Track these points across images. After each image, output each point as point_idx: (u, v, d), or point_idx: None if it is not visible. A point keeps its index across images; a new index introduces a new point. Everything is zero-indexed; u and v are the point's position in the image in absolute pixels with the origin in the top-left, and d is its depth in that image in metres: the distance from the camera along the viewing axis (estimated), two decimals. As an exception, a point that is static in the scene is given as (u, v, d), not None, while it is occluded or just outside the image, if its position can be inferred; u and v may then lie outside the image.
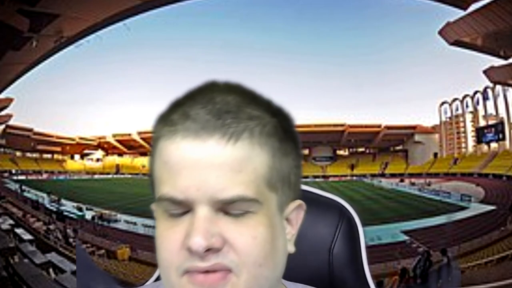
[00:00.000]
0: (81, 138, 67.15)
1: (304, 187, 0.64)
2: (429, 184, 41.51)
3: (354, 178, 57.23)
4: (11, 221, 14.26)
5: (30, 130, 57.76)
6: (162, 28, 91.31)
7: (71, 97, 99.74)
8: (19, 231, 12.09)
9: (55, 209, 25.15)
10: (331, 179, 56.97)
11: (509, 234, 15.56)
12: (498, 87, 45.13)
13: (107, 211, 24.63)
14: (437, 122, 61.16)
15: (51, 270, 8.38)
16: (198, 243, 0.35)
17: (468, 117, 55.08)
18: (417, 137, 61.15)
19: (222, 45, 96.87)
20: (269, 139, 0.39)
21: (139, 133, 66.70)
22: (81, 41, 21.42)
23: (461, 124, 56.04)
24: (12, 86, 25.18)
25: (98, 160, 69.57)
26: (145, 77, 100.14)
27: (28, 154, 61.70)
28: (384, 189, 41.43)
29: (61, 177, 56.46)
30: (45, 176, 54.66)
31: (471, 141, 55.22)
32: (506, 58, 24.87)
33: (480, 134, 51.96)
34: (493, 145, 50.31)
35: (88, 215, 24.24)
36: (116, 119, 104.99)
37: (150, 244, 17.07)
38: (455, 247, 14.79)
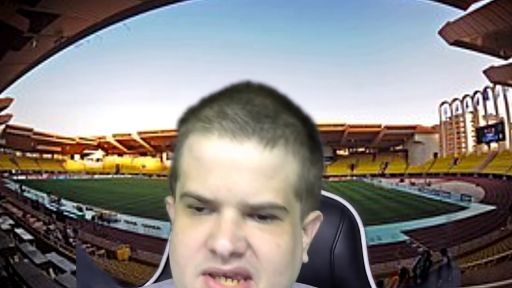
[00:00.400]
0: (81, 138, 67.14)
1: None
2: (429, 184, 41.50)
3: (354, 178, 57.23)
4: (11, 221, 14.26)
5: (30, 130, 57.76)
6: (162, 28, 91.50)
7: (71, 97, 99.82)
8: (19, 231, 12.09)
9: (55, 209, 25.14)
10: (331, 179, 56.90)
11: (509, 234, 15.56)
12: (498, 87, 45.12)
13: (107, 211, 24.62)
14: (437, 122, 61.19)
15: (51, 270, 8.38)
16: (224, 246, 0.35)
17: (468, 117, 55.08)
18: (417, 137, 61.15)
19: (222, 45, 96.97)
20: (301, 148, 0.39)
21: (139, 133, 66.75)
22: (81, 41, 21.46)
23: (461, 124, 56.04)
24: (12, 86, 25.22)
25: (98, 160, 69.56)
26: (145, 77, 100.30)
27: (28, 154, 61.69)
28: (384, 189, 41.42)
29: (61, 177, 56.46)
30: (45, 176, 54.66)
31: (471, 141, 55.21)
32: (506, 58, 24.87)
33: (480, 134, 51.96)
34: (493, 145, 50.31)
35: (88, 215, 24.23)
36: (116, 119, 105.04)
37: (150, 244, 17.15)
38: (455, 247, 14.79)
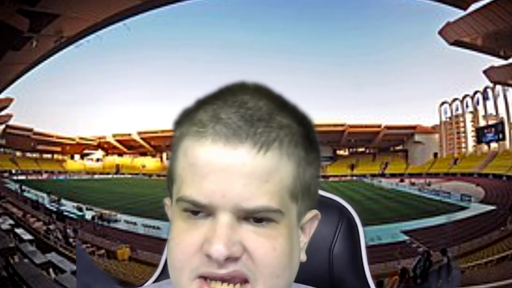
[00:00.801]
0: (81, 138, 67.14)
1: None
2: (429, 184, 41.50)
3: (354, 178, 57.23)
4: (11, 221, 14.26)
5: (30, 130, 57.75)
6: (162, 28, 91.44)
7: (71, 97, 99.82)
8: (19, 231, 12.09)
9: (55, 209, 25.15)
10: (331, 179, 56.91)
11: (509, 234, 15.56)
12: (498, 87, 45.12)
13: (107, 211, 24.63)
14: (437, 122, 61.19)
15: (51, 270, 8.38)
16: (220, 251, 0.35)
17: (468, 117, 55.08)
18: (417, 137, 61.16)
19: (222, 45, 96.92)
20: (296, 149, 0.39)
21: (139, 133, 66.74)
22: (81, 41, 21.46)
23: (461, 124, 56.05)
24: (12, 86, 25.22)
25: (98, 160, 69.55)
26: (145, 77, 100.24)
27: (28, 154, 61.69)
28: (384, 189, 41.42)
29: (61, 177, 56.46)
30: (45, 176, 54.66)
31: (471, 141, 55.22)
32: (506, 58, 24.87)
33: (480, 134, 51.96)
34: (493, 145, 50.31)
35: (88, 215, 24.23)
36: (116, 119, 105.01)
37: (150, 244, 17.16)
38: (455, 247, 14.79)
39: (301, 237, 0.43)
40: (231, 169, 0.36)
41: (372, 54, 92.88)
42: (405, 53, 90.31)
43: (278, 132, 0.38)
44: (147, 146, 68.18)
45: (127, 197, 33.17)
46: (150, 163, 68.47)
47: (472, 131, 54.50)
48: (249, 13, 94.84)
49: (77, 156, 68.83)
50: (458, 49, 25.01)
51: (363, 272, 0.62)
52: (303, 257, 0.44)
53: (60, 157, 66.32)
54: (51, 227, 17.78)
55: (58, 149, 65.25)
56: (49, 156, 64.98)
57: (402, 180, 48.41)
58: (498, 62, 26.10)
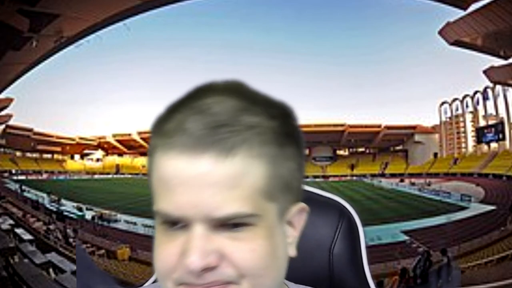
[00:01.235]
0: (81, 138, 67.14)
1: (304, 187, 0.64)
2: (429, 184, 41.52)
3: (354, 178, 57.24)
4: (11, 221, 14.26)
5: (30, 130, 57.75)
6: (162, 28, 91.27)
7: (71, 97, 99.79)
8: (19, 231, 12.10)
9: (55, 209, 25.16)
10: (331, 179, 56.95)
11: (509, 234, 15.57)
12: (498, 87, 45.13)
13: (107, 211, 24.63)
14: (437, 122, 61.19)
15: (51, 270, 8.38)
16: (194, 264, 0.35)
17: (468, 117, 55.09)
18: (417, 137, 61.17)
19: (222, 45, 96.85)
20: (267, 147, 0.38)
21: (139, 133, 66.69)
22: (81, 41, 21.48)
23: (461, 124, 56.05)
24: (12, 86, 25.23)
25: (98, 160, 69.55)
26: (145, 77, 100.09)
27: (28, 154, 61.67)
28: (384, 189, 41.43)
29: (61, 177, 56.45)
30: (45, 176, 54.65)
31: (471, 141, 55.23)
32: (506, 58, 24.89)
33: (480, 134, 51.97)
34: (493, 145, 50.31)
35: (88, 215, 24.24)
36: (116, 119, 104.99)
37: (150, 244, 16.86)
38: (455, 247, 14.80)
39: (289, 231, 0.43)
40: (198, 180, 0.35)
41: (372, 54, 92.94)
42: (405, 53, 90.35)
43: (245, 134, 0.36)
44: (147, 146, 67.38)
45: (127, 197, 33.16)
46: (150, 163, 68.30)
47: (472, 131, 54.50)
48: (249, 13, 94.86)
49: (77, 156, 68.81)
50: (458, 49, 25.06)
51: (363, 272, 0.62)
52: (292, 252, 0.43)
53: (60, 157, 66.32)
54: (51, 227, 17.78)
55: (58, 149, 65.24)
56: (49, 156, 64.97)
57: (402, 180, 48.42)
58: (498, 62, 26.15)
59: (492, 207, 23.97)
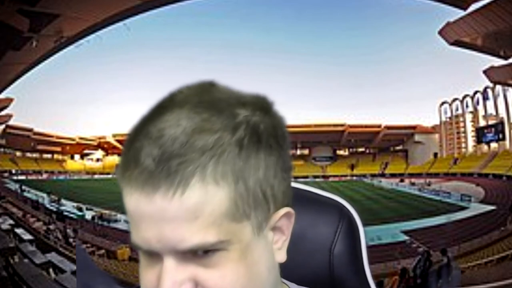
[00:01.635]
0: (81, 138, 67.18)
1: (304, 187, 0.63)
2: (429, 184, 41.54)
3: (354, 178, 57.27)
4: (11, 221, 14.25)
5: (30, 130, 57.77)
6: (162, 28, 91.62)
7: (71, 97, 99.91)
8: (19, 231, 12.08)
9: (55, 209, 25.17)
10: (331, 179, 56.99)
11: (509, 234, 15.57)
12: (498, 87, 45.17)
13: (107, 211, 24.63)
14: (437, 122, 61.28)
15: (51, 270, 8.37)
16: None
17: (468, 117, 55.14)
18: (417, 137, 61.22)
19: (222, 45, 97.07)
20: (227, 166, 0.35)
21: (139, 133, 66.65)
22: (81, 41, 21.47)
23: (461, 124, 56.10)
24: (12, 86, 25.23)
25: (98, 160, 69.58)
26: (145, 77, 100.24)
27: (28, 154, 61.71)
28: (384, 189, 41.45)
29: (61, 177, 56.49)
30: (45, 176, 54.68)
31: (471, 141, 55.28)
32: (506, 58, 24.89)
33: (480, 134, 52.00)
34: (493, 145, 50.35)
35: (88, 215, 24.26)
36: (116, 119, 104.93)
37: (150, 244, 17.07)
38: (455, 247, 14.80)
39: (277, 237, 0.41)
40: (156, 216, 0.35)
41: (372, 54, 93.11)
42: (405, 53, 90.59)
43: (198, 161, 0.34)
44: (147, 146, 68.10)
45: (127, 197, 33.14)
46: (150, 163, 68.31)
47: (472, 131, 54.55)
48: (249, 13, 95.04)
49: (77, 156, 68.86)
50: (458, 49, 25.05)
51: (363, 272, 0.62)
52: (281, 258, 0.42)
53: (60, 157, 66.35)
54: (51, 227, 17.77)
55: (58, 149, 65.27)
56: (49, 156, 65.00)
57: (402, 180, 48.45)
58: (498, 62, 26.15)
59: (492, 207, 23.99)
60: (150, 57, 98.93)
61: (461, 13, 20.01)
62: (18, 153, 59.99)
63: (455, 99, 56.73)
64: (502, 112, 48.15)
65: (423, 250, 12.31)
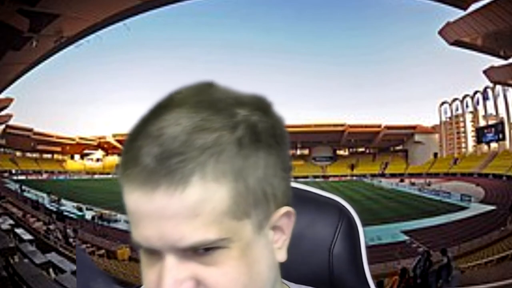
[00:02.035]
0: (81, 138, 67.19)
1: (303, 187, 0.63)
2: (429, 184, 41.54)
3: (354, 178, 57.27)
4: (11, 221, 14.26)
5: (30, 130, 57.78)
6: (162, 28, 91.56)
7: (71, 97, 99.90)
8: (19, 231, 12.09)
9: (55, 209, 25.17)
10: (331, 179, 56.98)
11: (509, 234, 15.58)
12: (498, 87, 45.17)
13: (107, 211, 24.63)
14: (437, 122, 61.29)
15: (51, 270, 8.38)
16: None
17: (468, 117, 55.14)
18: (417, 137, 61.22)
19: (222, 45, 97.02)
20: (227, 165, 0.35)
21: (139, 133, 66.69)
22: (81, 41, 21.45)
23: (461, 124, 56.11)
24: (12, 86, 25.22)
25: (98, 160, 69.59)
26: (145, 77, 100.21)
27: (28, 154, 61.71)
28: (384, 189, 41.45)
29: (61, 177, 56.49)
30: (45, 176, 54.69)
31: (471, 141, 55.29)
32: (506, 58, 24.88)
33: (480, 134, 52.01)
34: (493, 145, 50.35)
35: (88, 215, 24.26)
36: (116, 119, 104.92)
37: (150, 244, 17.08)
38: (455, 247, 14.80)
39: (277, 236, 0.42)
40: (156, 214, 0.35)
41: (372, 54, 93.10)
42: (405, 53, 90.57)
43: (198, 159, 0.34)
44: (147, 146, 68.14)
45: (127, 197, 33.14)
46: (150, 163, 68.31)
47: (472, 131, 54.56)
48: (249, 13, 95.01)
49: (77, 156, 68.86)
50: (458, 49, 25.03)
51: (363, 272, 0.62)
52: (282, 258, 0.42)
53: (60, 157, 66.35)
54: (51, 227, 17.78)
55: (58, 149, 65.28)
56: (49, 156, 65.01)
57: (402, 180, 48.45)
58: (498, 62, 26.14)
59: (492, 207, 24.00)
60: (150, 57, 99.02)
61: (461, 13, 20.01)
62: (18, 153, 60.00)
63: (455, 99, 56.75)
64: (502, 112, 48.20)
65: (423, 250, 12.31)
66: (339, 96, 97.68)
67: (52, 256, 9.87)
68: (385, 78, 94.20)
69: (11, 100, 36.28)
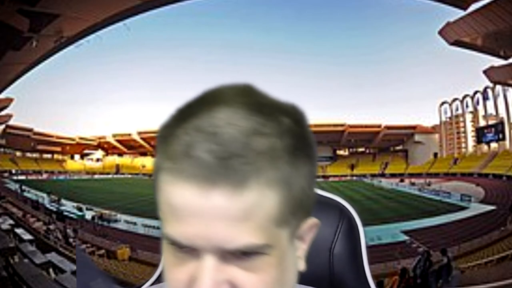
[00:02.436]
0: (81, 138, 67.15)
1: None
2: (429, 184, 41.51)
3: (354, 178, 57.23)
4: (11, 221, 14.26)
5: (30, 130, 57.75)
6: (162, 28, 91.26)
7: (71, 97, 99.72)
8: (19, 231, 12.09)
9: (55, 209, 25.16)
10: (331, 179, 56.89)
11: (509, 234, 15.57)
12: (498, 87, 45.13)
13: (107, 211, 24.64)
14: (437, 122, 61.19)
15: (51, 270, 8.38)
16: None
17: (468, 117, 55.09)
18: (417, 137, 61.17)
19: (222, 45, 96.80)
20: (280, 172, 0.35)
21: (139, 133, 66.73)
22: (81, 41, 21.46)
23: (461, 124, 56.05)
24: (12, 86, 25.22)
25: (98, 160, 69.56)
26: (145, 77, 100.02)
27: (28, 154, 61.67)
28: (384, 189, 41.43)
29: (61, 177, 56.44)
30: (45, 176, 54.64)
31: (471, 141, 55.23)
32: (506, 58, 24.89)
33: (480, 134, 51.97)
34: (493, 145, 50.32)
35: (88, 215, 24.24)
36: (116, 119, 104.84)
37: (150, 244, 17.14)
38: (455, 247, 14.80)
39: (299, 247, 0.42)
40: (208, 213, 0.34)
41: (372, 54, 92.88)
42: (405, 53, 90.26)
43: (256, 163, 0.34)
44: (147, 146, 68.15)
45: (127, 197, 33.16)
46: (150, 163, 68.07)
47: (472, 131, 54.51)
48: (249, 13, 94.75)
49: (77, 156, 68.82)
50: (458, 49, 25.04)
51: (363, 272, 0.62)
52: (302, 267, 0.43)
53: (60, 157, 66.32)
54: (51, 227, 17.78)
55: (58, 149, 65.25)
56: (49, 156, 64.97)
57: (402, 180, 48.41)
58: (498, 62, 26.14)
59: (492, 207, 23.97)
60: (150, 57, 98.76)
61: (461, 13, 20.02)
62: (18, 153, 59.95)
63: (455, 99, 56.71)
64: (502, 112, 48.13)
65: (423, 250, 12.32)
66: (339, 96, 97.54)
67: (52, 256, 9.88)
68: (385, 78, 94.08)
69: (11, 100, 36.29)
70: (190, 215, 0.35)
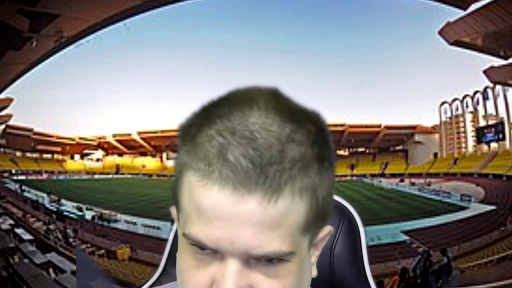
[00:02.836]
0: (81, 138, 67.18)
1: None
2: (429, 184, 41.50)
3: (354, 178, 57.22)
4: (11, 221, 14.25)
5: (30, 130, 57.78)
6: (162, 28, 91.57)
7: (71, 97, 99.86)
8: (19, 231, 12.09)
9: (55, 209, 25.15)
10: (331, 179, 56.84)
11: (509, 234, 15.56)
12: (498, 87, 45.15)
13: (107, 211, 24.64)
14: (437, 122, 61.22)
15: (51, 270, 8.38)
16: None
17: (468, 117, 55.11)
18: (417, 137, 61.18)
19: (222, 45, 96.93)
20: (310, 180, 0.36)
21: (139, 133, 66.78)
22: (81, 41, 21.45)
23: (461, 124, 56.07)
24: (12, 86, 25.21)
25: (98, 160, 69.58)
26: (145, 77, 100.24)
27: (28, 154, 61.71)
28: (384, 189, 41.42)
29: (61, 177, 56.47)
30: (45, 176, 54.66)
31: (471, 141, 55.24)
32: (506, 58, 24.88)
33: (480, 134, 51.97)
34: (493, 145, 50.32)
35: (88, 215, 24.24)
36: (116, 119, 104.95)
37: (150, 244, 17.15)
38: (455, 247, 14.80)
39: (313, 254, 0.43)
40: (239, 218, 0.34)
41: (372, 54, 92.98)
42: (405, 53, 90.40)
43: (290, 172, 0.34)
44: (147, 146, 68.19)
45: (127, 197, 33.18)
46: (150, 163, 68.48)
47: (472, 131, 54.52)
48: (249, 13, 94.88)
49: (77, 156, 68.85)
50: (458, 49, 25.02)
51: (363, 272, 0.62)
52: (314, 273, 0.43)
53: (60, 157, 66.35)
54: (51, 227, 17.78)
55: (58, 149, 65.27)
56: (49, 156, 65.00)
57: (402, 180, 48.41)
58: (498, 62, 26.12)
59: (492, 207, 23.97)
60: (150, 57, 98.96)
61: (461, 13, 20.00)
62: (18, 153, 59.98)
63: (455, 99, 56.72)
64: (502, 112, 48.16)
65: (423, 250, 12.31)
66: (339, 96, 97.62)
67: (52, 256, 9.87)
68: (385, 78, 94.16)
69: (11, 100, 36.27)
70: (220, 218, 0.34)
